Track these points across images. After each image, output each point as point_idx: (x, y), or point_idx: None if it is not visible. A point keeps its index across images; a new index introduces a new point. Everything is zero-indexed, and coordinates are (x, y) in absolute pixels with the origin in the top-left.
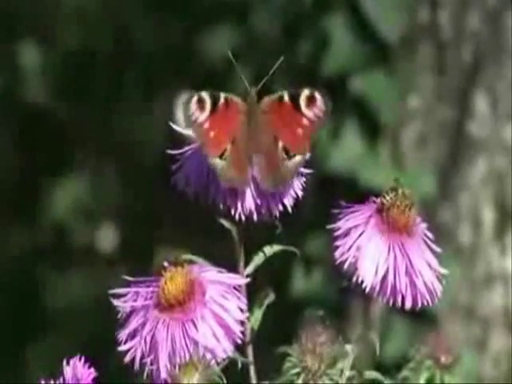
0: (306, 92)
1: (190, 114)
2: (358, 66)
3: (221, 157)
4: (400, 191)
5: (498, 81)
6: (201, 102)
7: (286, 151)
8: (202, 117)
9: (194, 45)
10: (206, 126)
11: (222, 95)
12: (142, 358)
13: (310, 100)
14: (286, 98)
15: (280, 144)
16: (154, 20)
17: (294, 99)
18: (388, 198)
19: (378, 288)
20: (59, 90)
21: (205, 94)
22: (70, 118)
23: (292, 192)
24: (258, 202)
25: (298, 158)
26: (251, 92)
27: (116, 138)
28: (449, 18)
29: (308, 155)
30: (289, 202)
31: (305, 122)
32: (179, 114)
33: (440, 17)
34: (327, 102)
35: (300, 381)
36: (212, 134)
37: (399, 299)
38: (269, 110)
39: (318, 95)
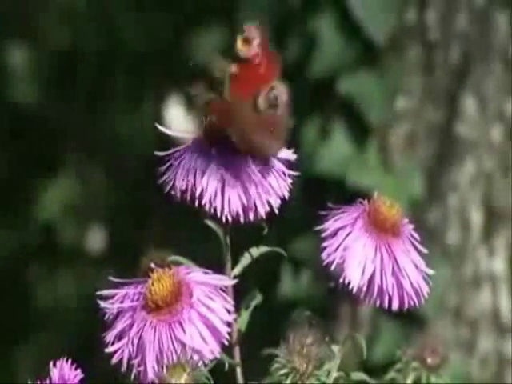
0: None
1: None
2: (346, 66)
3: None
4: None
5: (486, 81)
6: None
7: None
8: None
9: (183, 44)
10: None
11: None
12: (130, 359)
13: (246, 41)
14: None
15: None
16: (143, 20)
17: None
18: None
19: (364, 289)
20: (47, 90)
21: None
22: (59, 118)
23: (279, 193)
24: (245, 203)
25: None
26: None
27: (104, 139)
28: (436, 18)
29: (295, 156)
30: (276, 203)
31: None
32: (169, 113)
33: (428, 17)
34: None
35: (288, 381)
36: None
37: (386, 300)
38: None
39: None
